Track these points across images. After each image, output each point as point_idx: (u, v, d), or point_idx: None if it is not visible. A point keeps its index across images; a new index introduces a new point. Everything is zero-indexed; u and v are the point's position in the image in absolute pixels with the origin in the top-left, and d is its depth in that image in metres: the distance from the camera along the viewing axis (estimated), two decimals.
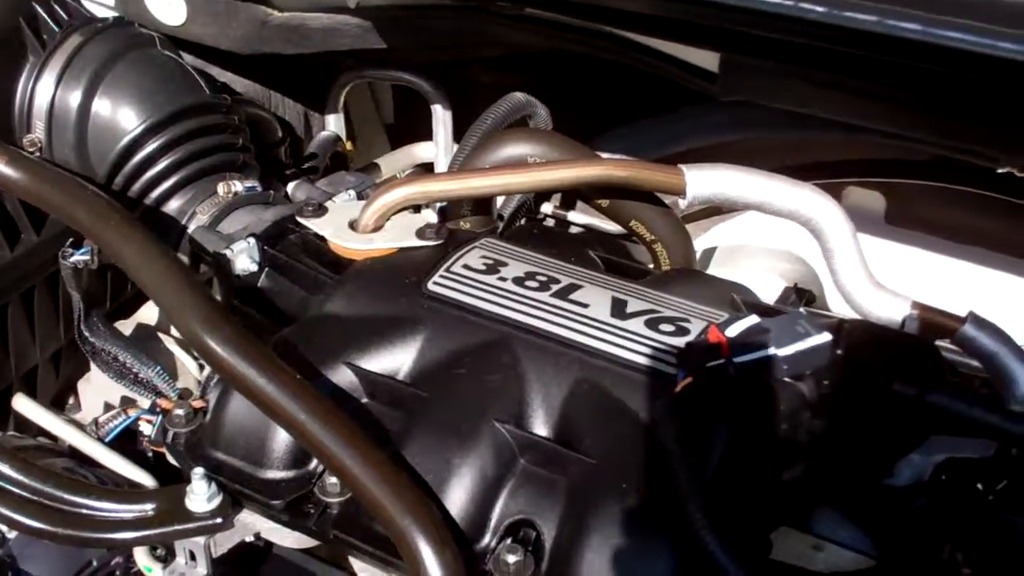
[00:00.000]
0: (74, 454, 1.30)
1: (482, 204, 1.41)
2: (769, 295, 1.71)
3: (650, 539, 0.95)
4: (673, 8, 1.21)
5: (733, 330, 0.99)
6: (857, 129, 1.43)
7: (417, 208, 1.34)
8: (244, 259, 1.31)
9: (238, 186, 1.45)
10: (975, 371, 1.13)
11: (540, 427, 1.07)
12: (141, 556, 1.18)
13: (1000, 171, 1.36)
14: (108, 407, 1.57)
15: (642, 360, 1.07)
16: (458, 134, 1.84)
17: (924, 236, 1.72)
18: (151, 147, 1.47)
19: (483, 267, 1.20)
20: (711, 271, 1.80)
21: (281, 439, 1.09)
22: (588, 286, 1.18)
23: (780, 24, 1.10)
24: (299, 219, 1.30)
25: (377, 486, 1.00)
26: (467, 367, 1.10)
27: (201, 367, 1.32)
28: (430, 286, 1.18)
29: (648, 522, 0.96)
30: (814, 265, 1.65)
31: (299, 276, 1.29)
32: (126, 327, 1.50)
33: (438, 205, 1.39)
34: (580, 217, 1.55)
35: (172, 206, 1.48)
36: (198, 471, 1.10)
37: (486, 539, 1.03)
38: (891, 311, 1.28)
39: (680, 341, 1.06)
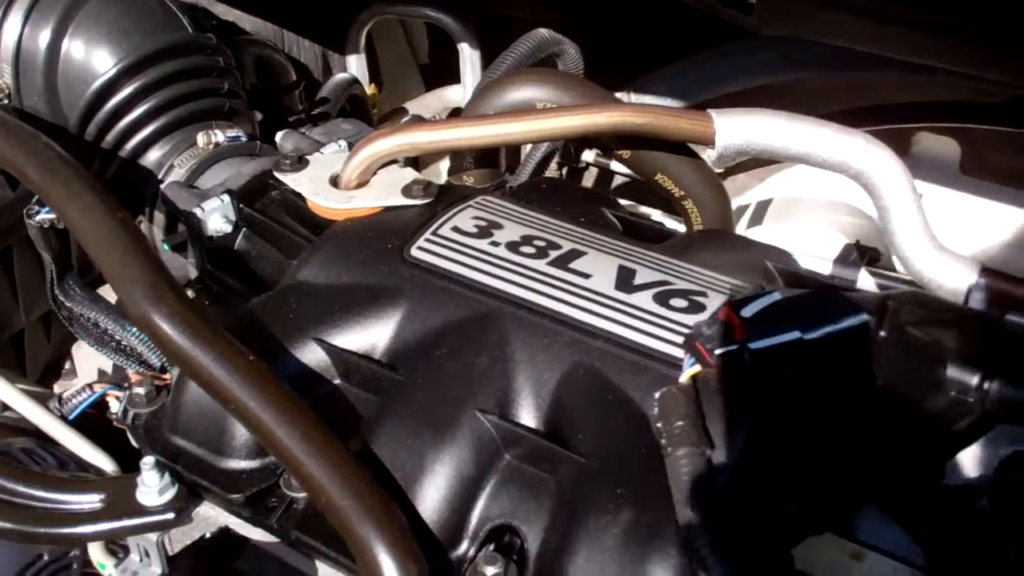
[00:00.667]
0: (40, 432, 1.22)
1: (487, 156, 1.29)
2: (829, 252, 1.59)
3: (645, 554, 0.83)
4: None
5: (749, 309, 0.86)
6: (921, 68, 1.28)
7: (417, 162, 1.22)
8: (217, 218, 1.20)
9: (219, 136, 1.34)
10: None
11: (529, 418, 0.95)
12: (95, 551, 1.09)
13: None
14: (102, 374, 1.49)
15: (646, 342, 0.95)
16: None
17: (1001, 187, 1.56)
18: (126, 92, 1.36)
19: (474, 230, 1.08)
20: (766, 227, 1.69)
21: None
22: (593, 252, 1.05)
23: None
24: (276, 174, 1.19)
25: (333, 484, 0.89)
26: (449, 347, 0.99)
27: None
28: (413, 252, 1.06)
29: (644, 534, 0.84)
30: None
31: (277, 238, 1.19)
32: (109, 291, 1.41)
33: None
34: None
35: (150, 158, 1.38)
36: (148, 460, 1.01)
37: (462, 546, 0.92)
38: (955, 279, 1.15)
39: (693, 319, 0.93)
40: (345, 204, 1.14)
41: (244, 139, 1.39)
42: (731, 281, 1.03)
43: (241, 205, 1.22)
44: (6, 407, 1.29)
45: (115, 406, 1.20)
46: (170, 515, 1.01)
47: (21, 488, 1.04)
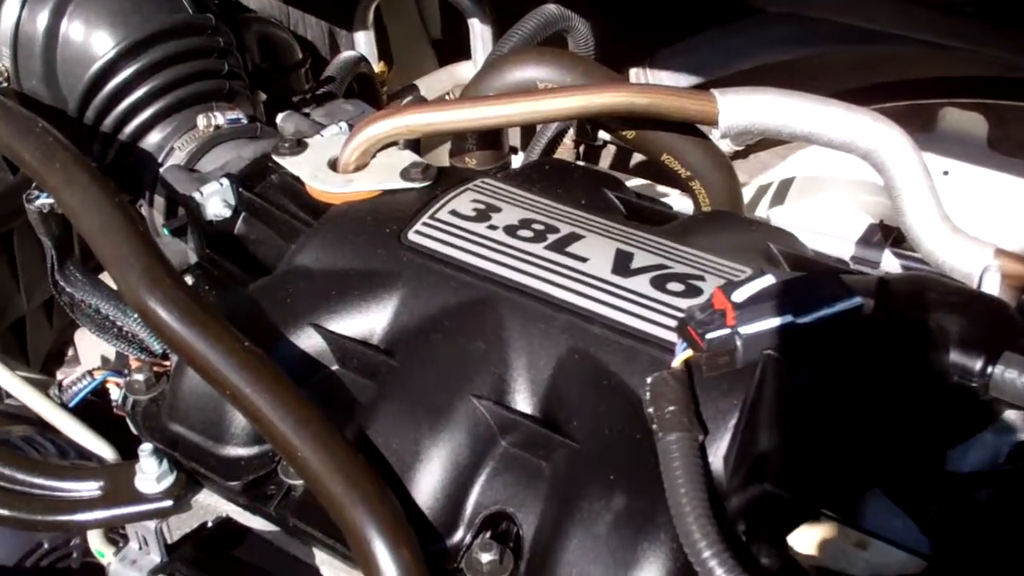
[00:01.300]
0: (41, 420, 1.27)
1: (489, 137, 1.32)
2: (853, 232, 1.61)
3: (637, 540, 0.87)
4: None
5: (742, 293, 0.89)
6: (944, 45, 1.30)
7: (418, 145, 1.27)
8: (216, 202, 1.25)
9: (220, 118, 1.38)
10: None
11: (524, 404, 0.99)
12: (94, 538, 1.14)
13: None
14: (105, 361, 1.54)
15: (642, 326, 0.99)
16: None
17: None
18: (125, 74, 1.41)
19: (472, 213, 1.12)
20: (788, 206, 1.72)
21: None
22: (591, 236, 1.09)
23: None
24: (275, 158, 1.23)
25: (328, 471, 0.93)
26: (445, 332, 1.03)
27: None
28: (410, 236, 1.10)
29: (637, 520, 0.88)
30: None
31: (276, 222, 1.23)
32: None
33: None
34: None
35: (150, 141, 1.43)
36: (146, 447, 1.05)
37: (458, 534, 0.96)
38: (968, 261, 1.18)
39: (689, 304, 0.96)
40: (343, 188, 1.18)
41: (245, 121, 1.43)
42: (731, 264, 1.06)
43: (240, 189, 1.26)
44: (7, 394, 1.35)
45: (116, 393, 1.24)
46: (168, 503, 1.06)
47: (20, 476, 1.09)
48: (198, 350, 0.98)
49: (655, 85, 1.27)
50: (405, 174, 1.18)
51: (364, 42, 1.98)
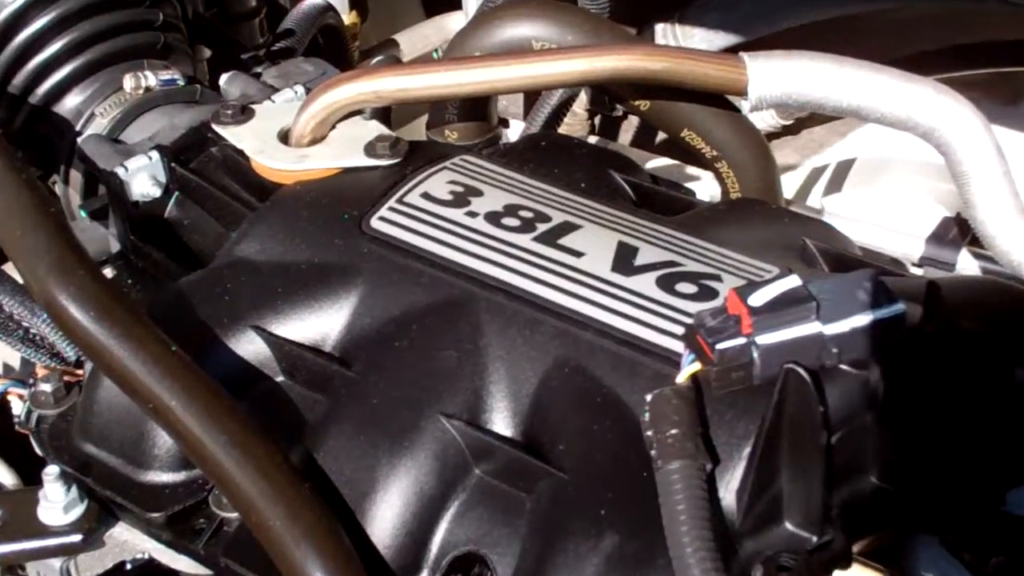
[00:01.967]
0: None
1: (475, 107, 1.37)
2: (924, 227, 1.65)
3: None
4: None
5: (761, 296, 0.93)
6: None
7: (387, 115, 1.31)
8: (144, 180, 1.29)
9: (151, 79, 1.42)
10: None
11: (503, 425, 1.04)
12: None
13: None
14: (7, 370, 1.58)
15: (645, 334, 1.03)
16: None
17: None
18: (37, 25, 1.45)
19: (449, 197, 1.16)
20: (846, 193, 1.76)
21: None
22: (589, 226, 1.13)
23: None
24: (215, 127, 1.28)
25: (266, 501, 0.97)
26: (412, 338, 1.08)
27: None
28: (374, 223, 1.15)
29: (630, 564, 0.92)
30: None
31: (215, 205, 1.28)
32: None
33: None
34: None
35: (66, 105, 1.47)
36: (51, 471, 1.09)
37: None
38: None
39: (701, 308, 1.00)
40: (295, 164, 1.23)
41: (182, 83, 1.48)
42: (755, 263, 1.10)
43: (173, 164, 1.31)
44: None
45: (18, 407, 1.28)
46: (77, 537, 1.09)
47: None
48: (116, 356, 1.02)
49: (672, 47, 1.31)
50: (370, 149, 1.23)
51: None
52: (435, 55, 2.17)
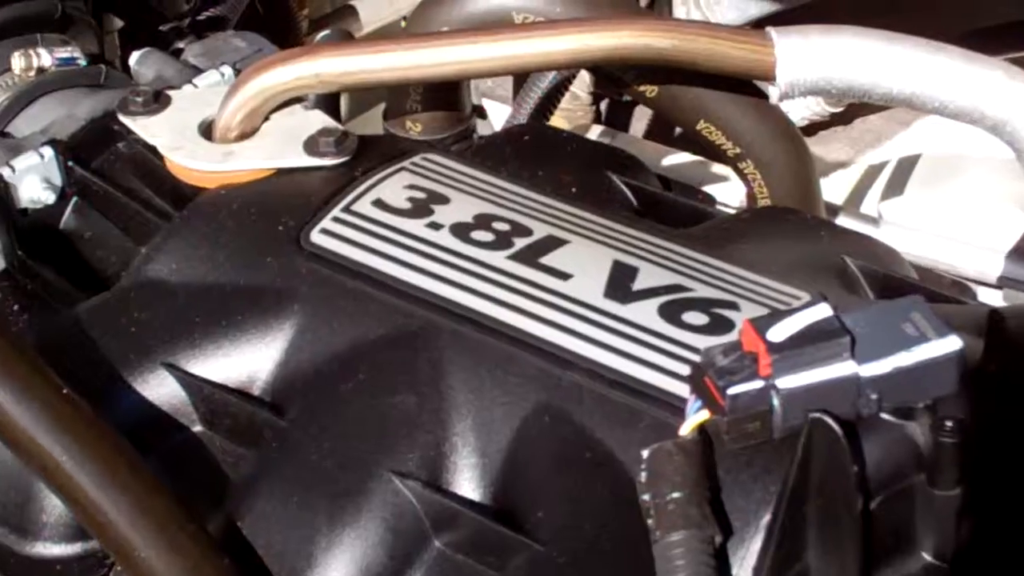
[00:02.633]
0: None
1: (441, 93, 1.38)
2: (1004, 238, 1.66)
3: None
4: None
5: (781, 330, 0.94)
6: None
7: (335, 104, 1.32)
8: (34, 183, 1.30)
9: (45, 57, 1.43)
10: None
11: (470, 486, 1.04)
12: None
13: None
14: None
15: (644, 375, 1.03)
16: None
17: None
18: None
19: (407, 205, 1.18)
20: (909, 196, 1.77)
21: None
22: (579, 241, 1.14)
23: None
24: (123, 118, 1.29)
25: None
26: (359, 379, 1.09)
27: None
28: (314, 237, 1.16)
29: None
30: None
31: (121, 213, 1.28)
32: None
33: None
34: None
35: None
36: None
37: None
38: None
39: (713, 343, 1.01)
40: (220, 164, 1.24)
41: (84, 62, 1.49)
42: (780, 287, 1.11)
43: (71, 163, 1.31)
44: None
45: None
46: None
47: None
48: None
49: (683, 21, 1.32)
50: (311, 146, 1.24)
51: None
52: (403, 25, 2.18)
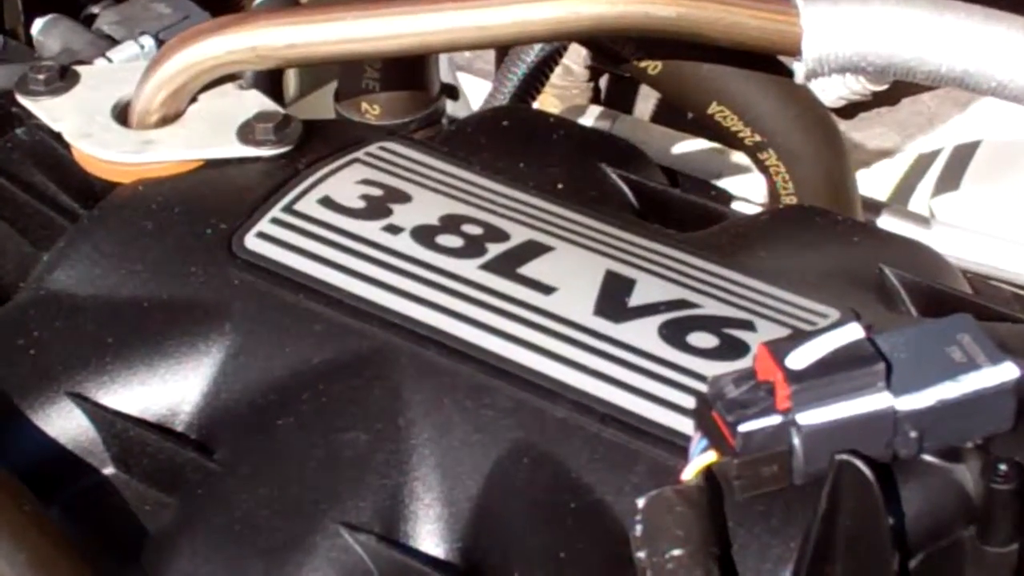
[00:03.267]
0: None
1: (405, 69, 1.38)
2: None
3: None
4: None
5: (805, 355, 0.94)
6: None
7: (275, 82, 1.32)
8: None
9: None
10: None
11: (432, 539, 1.05)
12: None
13: None
14: None
15: (641, 409, 1.04)
16: None
17: None
18: None
19: (360, 204, 1.18)
20: (966, 190, 1.77)
21: None
22: (565, 248, 1.15)
23: None
24: (21, 98, 1.29)
25: None
26: (301, 412, 1.09)
27: None
28: (249, 242, 1.16)
29: None
30: None
31: (20, 212, 1.28)
32: None
33: None
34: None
35: None
36: None
37: None
38: None
39: (722, 369, 1.02)
40: (137, 154, 1.24)
41: None
42: (804, 303, 1.11)
43: None
44: None
45: None
46: None
47: None
48: None
49: None
50: (246, 133, 1.24)
51: None
52: None
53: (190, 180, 1.24)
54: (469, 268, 1.14)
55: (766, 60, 1.35)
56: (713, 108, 1.35)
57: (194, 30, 1.26)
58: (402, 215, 1.18)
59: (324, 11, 1.28)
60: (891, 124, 2.00)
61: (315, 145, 1.26)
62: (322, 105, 1.57)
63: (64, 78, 1.31)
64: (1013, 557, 0.97)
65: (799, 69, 1.28)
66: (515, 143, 1.31)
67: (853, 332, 0.96)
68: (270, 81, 1.34)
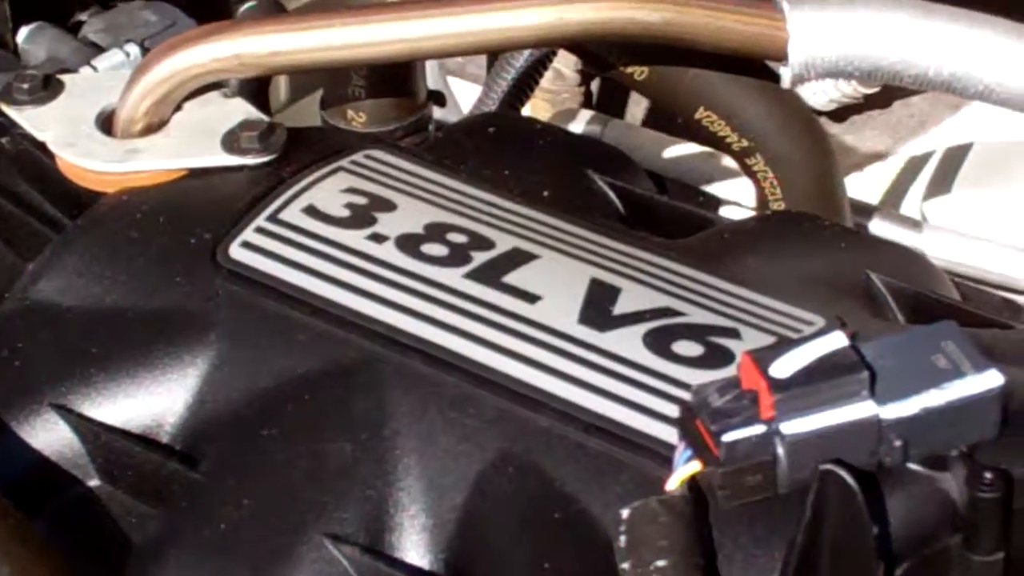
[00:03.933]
0: None
1: (390, 77, 1.38)
2: None
3: None
4: None
5: (788, 363, 0.94)
6: None
7: (262, 90, 1.32)
8: None
9: None
10: None
11: (418, 551, 1.05)
12: None
13: None
14: None
15: (626, 418, 1.04)
16: None
17: None
18: None
19: (345, 213, 1.18)
20: (958, 194, 1.78)
21: None
22: (550, 256, 1.15)
23: None
24: (5, 108, 1.29)
25: None
26: (286, 423, 1.09)
27: None
28: (234, 252, 1.16)
29: None
30: None
31: (5, 223, 1.28)
32: None
33: None
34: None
35: None
36: None
37: None
38: None
39: (707, 378, 1.02)
40: (121, 164, 1.24)
41: None
42: (790, 311, 1.11)
43: None
44: None
45: None
46: None
47: None
48: None
49: None
50: (230, 141, 1.24)
51: None
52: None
53: (175, 189, 1.24)
54: (454, 277, 1.14)
55: (753, 65, 1.34)
56: (700, 113, 1.35)
57: (178, 38, 1.26)
58: (387, 224, 1.18)
59: (308, 19, 1.28)
60: (883, 127, 2.00)
61: (300, 153, 1.25)
62: (313, 111, 1.56)
63: (48, 87, 1.31)
64: (999, 566, 0.96)
65: (786, 74, 1.27)
66: (501, 150, 1.30)
67: (837, 340, 0.96)
68: (255, 89, 1.33)
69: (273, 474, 1.08)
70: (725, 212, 1.46)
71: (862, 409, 0.94)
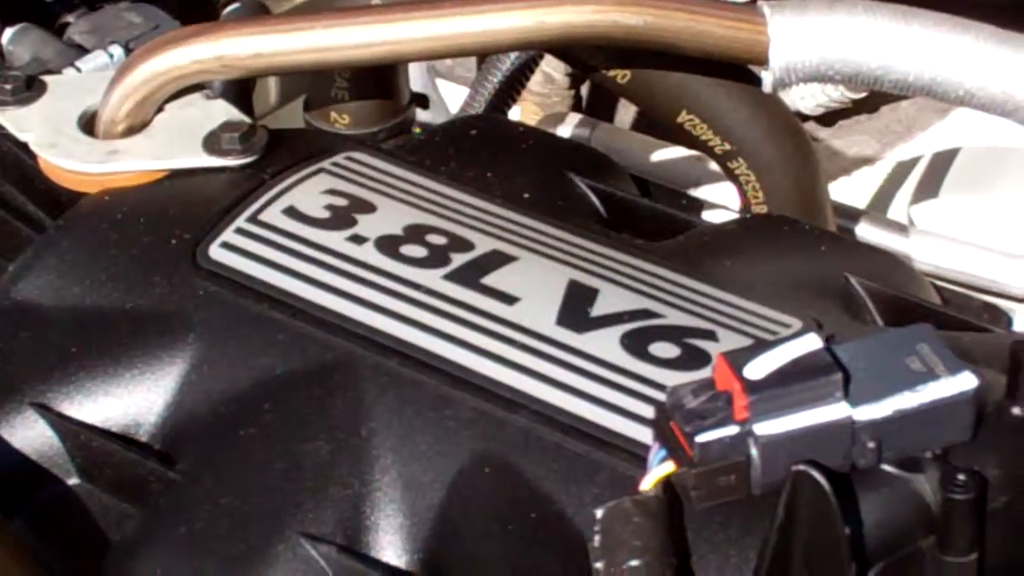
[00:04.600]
0: None
1: (375, 78, 1.38)
2: None
3: None
4: None
5: (761, 365, 0.94)
6: None
7: (245, 92, 1.32)
8: None
9: None
10: None
11: (393, 550, 1.05)
12: None
13: None
14: None
15: (603, 419, 1.04)
16: None
17: None
18: None
19: (325, 215, 1.18)
20: (945, 199, 1.78)
21: None
22: (529, 257, 1.15)
23: None
24: None
25: None
26: (264, 422, 1.09)
27: None
28: (213, 252, 1.17)
29: None
30: None
31: None
32: None
33: None
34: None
35: None
36: None
37: None
38: None
39: (683, 379, 1.02)
40: (102, 164, 1.24)
41: None
42: (767, 313, 1.12)
43: None
44: None
45: None
46: None
47: None
48: None
49: None
50: (212, 142, 1.24)
51: None
52: None
53: (155, 190, 1.24)
54: (433, 278, 1.14)
55: (735, 69, 1.35)
56: (683, 117, 1.35)
57: (160, 40, 1.26)
58: (366, 225, 1.18)
59: (290, 21, 1.29)
60: (871, 131, 2.00)
61: (281, 155, 1.26)
62: (294, 116, 1.57)
63: (31, 88, 1.31)
64: (972, 567, 0.96)
65: (767, 78, 1.28)
66: (483, 152, 1.31)
67: (811, 342, 0.96)
68: (239, 91, 1.33)
69: (250, 473, 1.08)
70: (709, 215, 1.46)
71: (835, 411, 0.94)
